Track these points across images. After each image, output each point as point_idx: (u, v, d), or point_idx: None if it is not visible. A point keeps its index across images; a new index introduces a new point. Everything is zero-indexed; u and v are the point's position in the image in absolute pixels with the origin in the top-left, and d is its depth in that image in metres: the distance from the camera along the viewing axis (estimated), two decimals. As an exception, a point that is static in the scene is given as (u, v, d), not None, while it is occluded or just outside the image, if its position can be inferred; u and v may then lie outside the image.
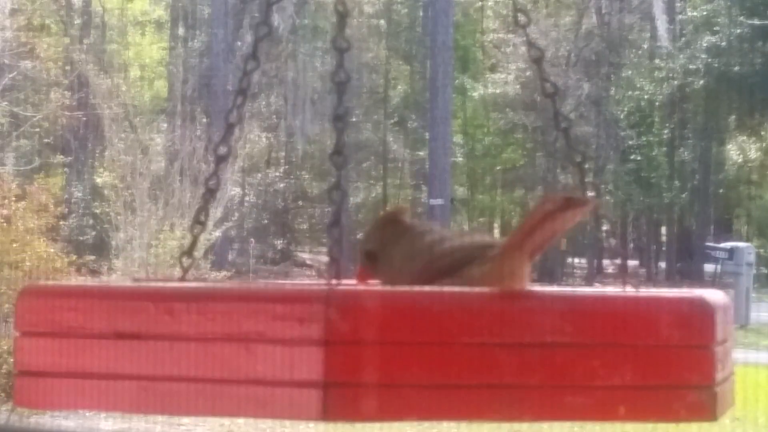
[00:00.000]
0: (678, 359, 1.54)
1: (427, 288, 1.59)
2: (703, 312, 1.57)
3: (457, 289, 1.56)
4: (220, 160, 1.99)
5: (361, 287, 1.71)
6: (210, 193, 2.00)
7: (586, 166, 2.12)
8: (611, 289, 1.69)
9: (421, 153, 29.43)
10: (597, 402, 1.53)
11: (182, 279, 1.93)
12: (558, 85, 2.05)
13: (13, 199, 11.51)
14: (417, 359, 1.50)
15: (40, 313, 1.64)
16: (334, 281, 1.63)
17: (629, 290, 1.82)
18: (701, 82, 29.40)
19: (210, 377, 1.53)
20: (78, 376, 1.61)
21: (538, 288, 1.65)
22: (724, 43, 29.08)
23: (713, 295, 1.71)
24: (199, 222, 1.98)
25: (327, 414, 1.50)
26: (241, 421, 9.04)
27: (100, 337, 1.59)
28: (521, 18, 2.05)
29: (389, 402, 1.51)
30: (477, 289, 1.58)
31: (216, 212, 13.74)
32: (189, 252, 1.97)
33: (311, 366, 1.49)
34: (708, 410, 1.55)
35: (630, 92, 29.58)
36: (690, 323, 1.55)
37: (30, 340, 1.64)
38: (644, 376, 1.53)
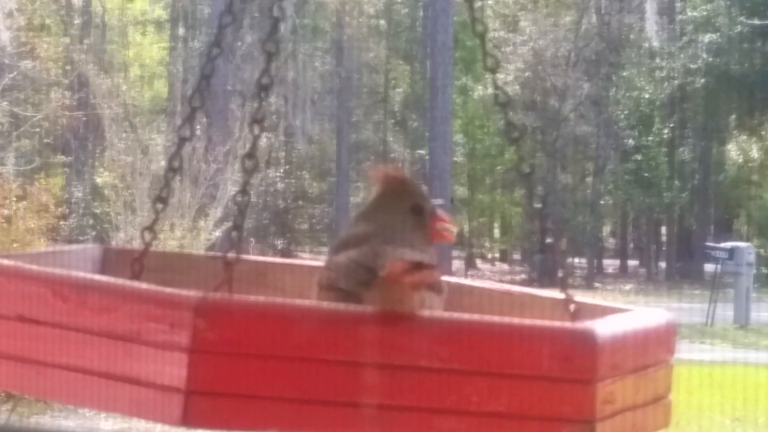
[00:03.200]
0: (557, 392, 1.51)
1: (297, 302, 1.57)
2: (585, 346, 1.52)
3: (332, 305, 1.53)
4: (182, 142, 1.98)
5: (235, 298, 1.65)
6: (172, 173, 1.99)
7: (532, 177, 2.10)
8: (499, 318, 1.64)
9: (422, 153, 29.42)
10: (468, 428, 1.50)
11: (141, 255, 1.92)
12: (523, 130, 2.06)
13: (14, 199, 11.51)
14: (282, 373, 1.49)
15: None
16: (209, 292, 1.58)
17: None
18: (701, 81, 29.39)
19: (93, 370, 1.54)
20: None
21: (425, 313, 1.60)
22: (724, 43, 29.07)
23: (630, 321, 1.66)
24: (160, 199, 1.98)
25: (186, 419, 1.49)
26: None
27: (6, 318, 1.60)
28: (489, 61, 2.05)
29: (250, 413, 1.50)
30: (352, 308, 1.55)
31: (216, 212, 13.74)
32: (150, 227, 1.97)
33: (176, 371, 1.49)
34: None
35: (630, 92, 29.56)
36: (571, 356, 1.52)
37: None
38: (520, 406, 1.51)
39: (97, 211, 20.81)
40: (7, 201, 11.38)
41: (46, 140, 24.93)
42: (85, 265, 2.04)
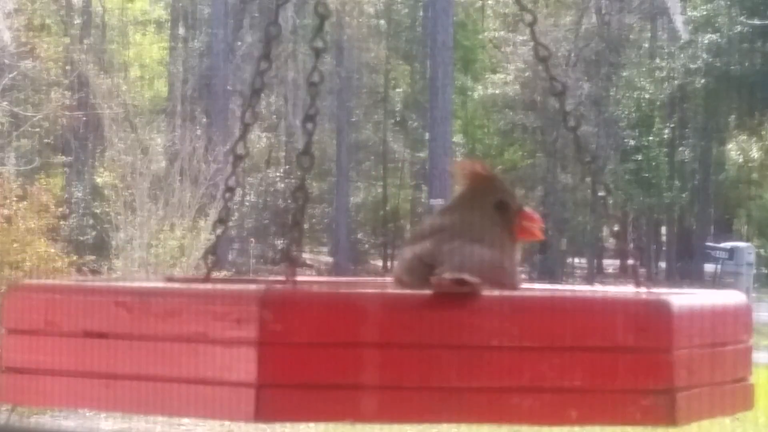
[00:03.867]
0: (633, 363, 1.50)
1: (365, 290, 1.57)
2: (660, 315, 1.52)
3: (397, 290, 1.53)
4: (238, 159, 1.99)
5: (299, 288, 1.66)
6: (230, 192, 2.00)
7: (595, 165, 2.09)
8: (572, 289, 1.62)
9: (421, 153, 29.43)
10: (546, 405, 1.50)
11: (207, 278, 1.94)
12: (566, 84, 2.03)
13: (15, 199, 11.51)
14: (353, 361, 1.48)
15: (21, 311, 1.67)
16: (277, 283, 1.58)
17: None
18: (701, 81, 29.40)
19: (162, 376, 1.54)
20: (54, 374, 1.63)
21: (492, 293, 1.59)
22: (724, 43, 29.08)
23: (706, 297, 1.67)
24: (221, 221, 1.99)
25: (259, 414, 1.49)
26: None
27: (70, 336, 1.61)
28: (527, 16, 2.02)
29: (323, 403, 1.49)
30: (418, 293, 1.54)
31: (216, 212, 13.74)
32: (213, 250, 1.98)
33: (246, 366, 1.48)
34: (665, 415, 1.52)
35: (630, 92, 29.57)
36: (646, 326, 1.51)
37: (13, 337, 1.67)
38: (596, 379, 1.50)
39: (97, 211, 20.81)
40: (8, 201, 11.38)
41: (46, 140, 24.93)
42: None
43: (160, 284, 1.75)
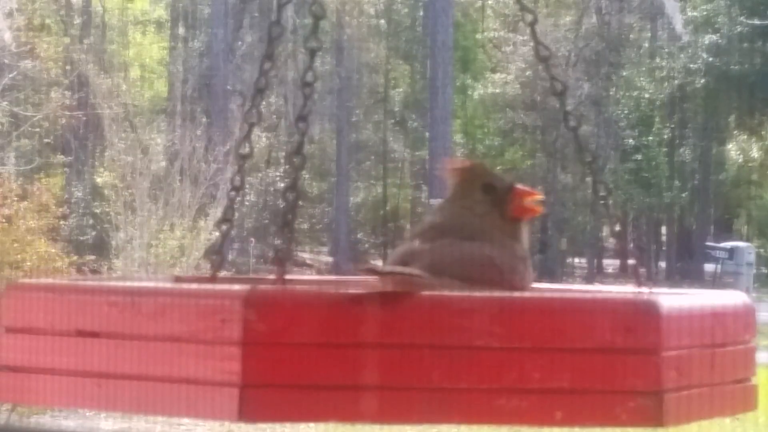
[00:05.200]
0: (619, 364, 1.49)
1: (345, 289, 1.57)
2: (648, 316, 1.50)
3: (380, 290, 1.54)
4: (243, 159, 1.99)
5: (284, 288, 1.65)
6: (235, 192, 2.00)
7: (596, 165, 2.08)
8: (567, 288, 1.60)
9: (421, 153, 29.43)
10: (531, 405, 1.49)
11: (213, 277, 1.94)
12: (566, 84, 2.01)
13: (15, 199, 11.51)
14: (336, 361, 1.48)
15: (17, 310, 1.68)
16: (258, 283, 1.58)
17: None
18: (701, 81, 29.40)
19: (150, 375, 1.55)
20: (48, 373, 1.64)
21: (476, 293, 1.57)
22: (724, 43, 29.08)
23: (703, 298, 1.66)
24: (226, 220, 1.99)
25: (243, 414, 1.49)
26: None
27: (64, 335, 1.62)
28: (528, 16, 2.01)
29: (306, 403, 1.49)
30: (401, 292, 1.53)
31: (216, 212, 13.74)
32: (218, 250, 1.98)
33: (230, 366, 1.49)
34: (652, 417, 1.50)
35: (630, 92, 29.57)
36: (633, 326, 1.50)
37: (9, 336, 1.67)
38: (583, 380, 1.49)
39: (97, 211, 20.81)
40: (8, 201, 11.38)
41: (46, 140, 24.93)
42: None
43: (150, 284, 1.76)
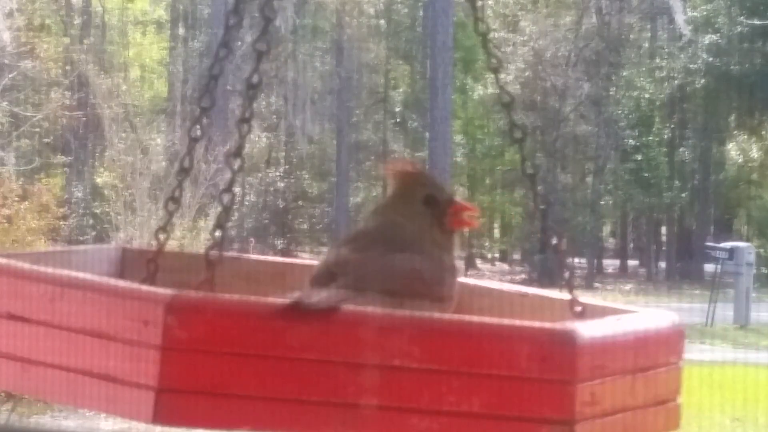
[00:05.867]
0: (534, 392, 1.49)
1: (268, 300, 1.57)
2: (563, 346, 1.50)
3: (287, 304, 1.53)
4: (193, 143, 2.00)
5: (207, 295, 1.66)
6: (184, 173, 2.00)
7: (536, 177, 2.09)
8: (474, 317, 1.62)
9: (421, 153, 29.42)
10: (443, 427, 1.49)
11: (155, 255, 1.94)
12: (526, 131, 2.04)
13: (16, 199, 11.52)
14: (252, 371, 1.49)
15: None
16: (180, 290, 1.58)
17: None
18: (701, 81, 29.40)
19: (73, 367, 1.55)
20: None
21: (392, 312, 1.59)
22: (724, 43, 29.07)
23: (628, 323, 1.63)
24: (172, 199, 1.99)
25: (157, 417, 1.50)
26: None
27: None
28: (492, 61, 2.02)
29: (221, 411, 1.50)
30: (313, 310, 1.54)
31: (216, 212, 13.74)
32: (164, 228, 1.99)
33: (149, 369, 1.49)
34: None
35: (630, 92, 29.56)
36: (549, 357, 1.50)
37: None
38: (496, 405, 1.49)
39: (97, 211, 20.80)
40: (9, 201, 11.38)
41: (46, 140, 24.91)
42: (101, 266, 2.05)
43: (82, 275, 1.75)
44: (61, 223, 14.37)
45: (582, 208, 28.98)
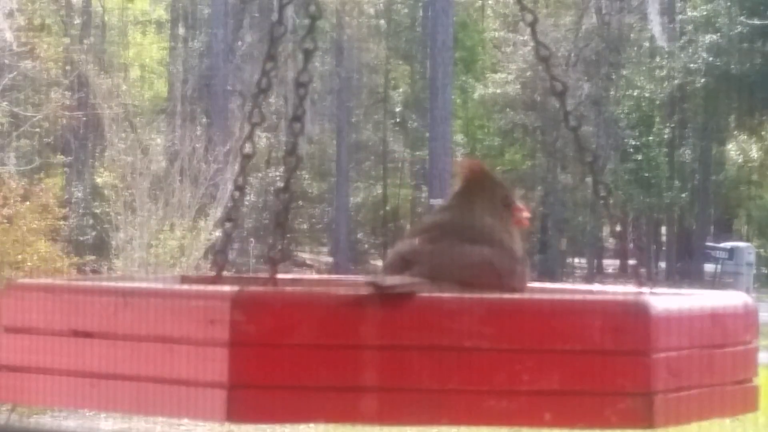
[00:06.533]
0: (609, 365, 1.49)
1: (335, 291, 1.57)
2: (637, 317, 1.50)
3: (367, 292, 1.52)
4: (246, 159, 2.00)
5: (271, 289, 1.66)
6: (239, 191, 2.00)
7: (597, 165, 2.10)
8: (544, 294, 1.63)
9: (421, 153, 29.42)
10: (521, 407, 1.49)
11: (218, 277, 1.94)
12: (567, 84, 2.05)
13: (17, 199, 11.52)
14: (324, 362, 1.48)
15: (16, 310, 1.69)
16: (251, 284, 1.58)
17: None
18: (701, 81, 29.40)
19: (141, 376, 1.55)
20: (45, 372, 1.65)
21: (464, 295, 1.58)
22: (724, 43, 29.07)
23: (701, 299, 1.64)
24: (229, 219, 2.00)
25: (231, 414, 1.49)
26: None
27: (60, 335, 1.62)
28: (528, 16, 2.02)
29: (294, 404, 1.49)
30: (390, 293, 1.53)
31: (216, 212, 13.74)
32: (223, 250, 1.99)
33: (218, 367, 1.49)
34: (642, 418, 1.50)
35: (630, 92, 29.57)
36: (622, 328, 1.50)
37: (9, 336, 1.69)
38: (572, 381, 1.49)
39: (97, 211, 20.80)
40: (9, 201, 11.38)
41: (46, 140, 24.92)
42: None
43: (142, 284, 1.76)
44: (62, 223, 14.36)
45: (582, 208, 28.99)
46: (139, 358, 1.56)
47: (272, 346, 1.49)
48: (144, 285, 1.74)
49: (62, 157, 25.67)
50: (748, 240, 29.24)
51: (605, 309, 1.53)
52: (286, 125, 29.24)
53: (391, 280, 1.59)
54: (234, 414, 1.49)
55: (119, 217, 14.06)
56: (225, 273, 1.96)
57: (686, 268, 29.32)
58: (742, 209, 34.67)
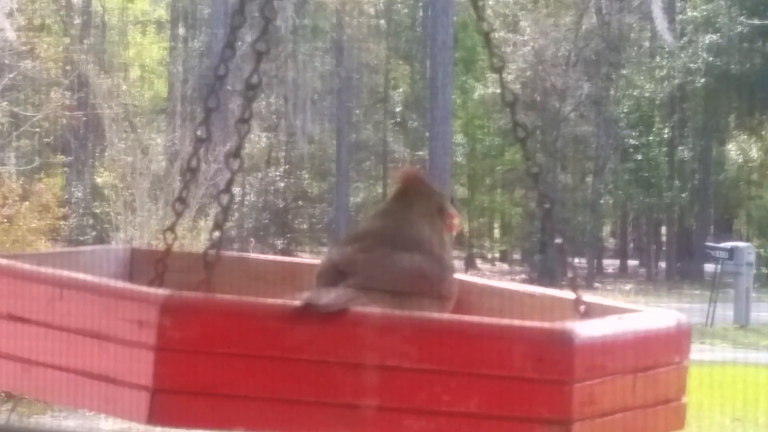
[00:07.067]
0: (529, 392, 1.48)
1: (262, 300, 1.57)
2: (560, 346, 1.49)
3: (298, 305, 1.52)
4: (199, 143, 2.01)
5: (202, 296, 1.66)
6: (191, 173, 2.01)
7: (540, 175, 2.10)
8: (470, 317, 1.62)
9: (421, 153, 29.41)
10: (439, 427, 1.49)
11: (166, 253, 1.94)
12: (529, 130, 2.08)
13: (17, 199, 11.52)
14: (247, 372, 1.49)
15: None
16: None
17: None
18: (701, 81, 29.39)
19: (70, 367, 1.55)
20: None
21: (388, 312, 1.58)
22: (724, 43, 29.06)
23: (629, 322, 1.62)
24: (180, 200, 2.00)
25: (152, 417, 1.50)
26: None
27: None
28: (495, 60, 2.02)
29: (215, 411, 1.49)
30: (335, 310, 1.54)
31: (215, 212, 13.74)
32: (171, 228, 2.00)
33: (144, 369, 1.50)
34: None
35: (630, 92, 29.56)
36: (545, 357, 1.49)
37: None
38: (492, 406, 1.48)
39: (97, 211, 20.80)
40: (9, 201, 11.38)
41: (46, 140, 24.91)
42: (109, 267, 2.06)
43: (81, 276, 1.74)
44: (62, 223, 14.36)
45: (582, 208, 28.99)
46: (70, 349, 1.56)
47: (198, 353, 1.49)
48: (81, 277, 1.71)
49: (62, 156, 25.67)
50: (748, 240, 29.20)
51: (531, 337, 1.52)
52: (286, 125, 29.27)
53: (327, 297, 1.58)
54: (155, 417, 1.50)
55: (119, 217, 14.06)
56: (175, 249, 1.95)
57: (686, 268, 29.31)
58: (742, 209, 34.65)
